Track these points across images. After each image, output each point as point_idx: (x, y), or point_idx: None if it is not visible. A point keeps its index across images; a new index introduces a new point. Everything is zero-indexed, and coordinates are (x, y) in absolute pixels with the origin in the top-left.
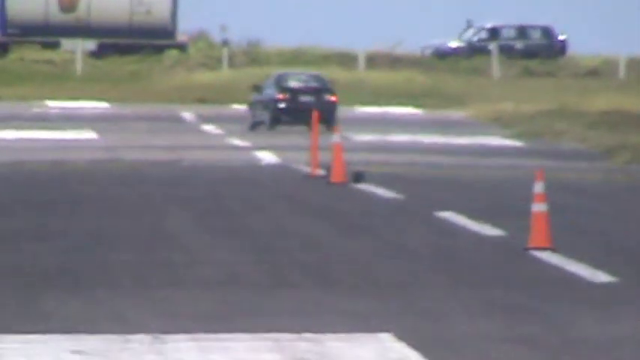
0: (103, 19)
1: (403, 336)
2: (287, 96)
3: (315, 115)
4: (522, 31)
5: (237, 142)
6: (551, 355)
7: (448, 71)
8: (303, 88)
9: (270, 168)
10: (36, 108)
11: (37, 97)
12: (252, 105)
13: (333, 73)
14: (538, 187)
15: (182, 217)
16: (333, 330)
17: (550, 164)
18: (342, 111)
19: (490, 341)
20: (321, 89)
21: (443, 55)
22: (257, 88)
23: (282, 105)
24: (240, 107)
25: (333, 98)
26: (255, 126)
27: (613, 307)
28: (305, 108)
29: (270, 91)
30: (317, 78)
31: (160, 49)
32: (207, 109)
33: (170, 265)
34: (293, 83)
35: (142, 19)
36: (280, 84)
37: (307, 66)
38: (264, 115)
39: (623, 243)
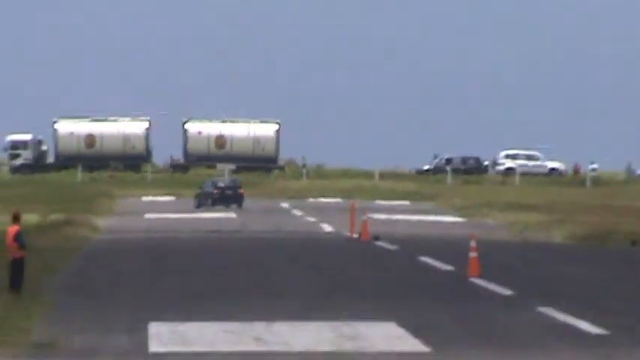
0: (239, 153)
1: (401, 324)
2: (218, 191)
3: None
4: (464, 160)
5: (311, 219)
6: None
7: (425, 181)
8: (226, 186)
9: (328, 234)
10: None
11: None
12: (197, 196)
13: (361, 184)
14: (472, 243)
15: (279, 258)
16: (359, 319)
17: (480, 231)
18: (367, 203)
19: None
20: (236, 187)
21: (422, 172)
22: (200, 187)
23: (217, 196)
24: (315, 200)
25: (241, 191)
26: (200, 206)
27: (511, 309)
28: (228, 197)
29: (209, 188)
30: (234, 181)
31: (269, 169)
32: (295, 202)
33: (269, 283)
34: (221, 184)
35: (259, 153)
36: (215, 184)
37: (350, 178)
38: (207, 201)
39: (522, 273)
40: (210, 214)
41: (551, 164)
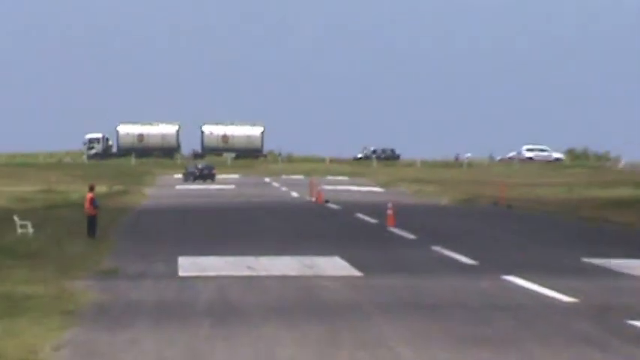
0: (237, 146)
1: (343, 258)
2: (198, 171)
3: (314, 185)
4: (384, 150)
5: (284, 189)
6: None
7: (358, 165)
8: (204, 168)
9: (295, 198)
10: (220, 182)
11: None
12: (184, 174)
13: (317, 166)
14: (390, 205)
15: (262, 214)
16: (315, 254)
17: (395, 197)
18: (319, 179)
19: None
20: (210, 168)
21: (357, 159)
22: (185, 168)
23: (197, 174)
24: (286, 177)
25: (214, 172)
26: (186, 181)
27: (414, 247)
28: (205, 175)
29: (192, 169)
30: (209, 164)
31: (256, 156)
32: (273, 178)
33: (256, 230)
34: (200, 165)
35: (250, 146)
36: (196, 166)
37: (310, 163)
38: (190, 177)
39: (422, 224)
40: (217, 185)
41: (555, 155)
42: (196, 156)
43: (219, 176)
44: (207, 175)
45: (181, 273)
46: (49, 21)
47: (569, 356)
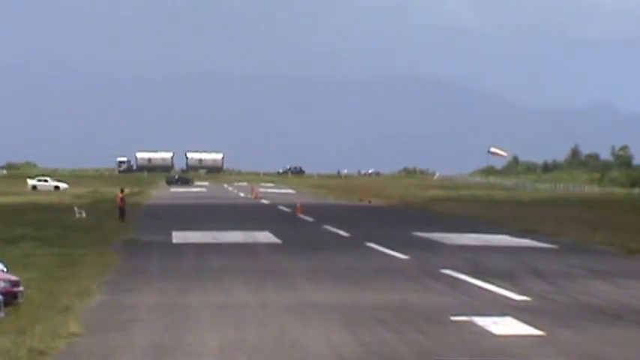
0: (207, 165)
1: (271, 232)
2: (172, 178)
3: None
4: (295, 168)
5: (235, 191)
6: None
7: (281, 177)
8: (176, 177)
9: (242, 197)
10: (198, 187)
11: (199, 181)
12: (166, 181)
13: (255, 177)
14: (299, 201)
15: (222, 206)
16: (254, 230)
17: (301, 196)
18: (256, 185)
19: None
20: (173, 176)
21: (279, 173)
22: (166, 177)
23: (172, 180)
24: (237, 184)
25: (176, 179)
26: (167, 184)
27: (313, 226)
28: (177, 180)
29: (171, 178)
30: (174, 175)
31: (219, 172)
32: (228, 184)
33: (217, 216)
34: (174, 176)
35: (215, 165)
36: (172, 176)
37: (250, 175)
38: (170, 182)
39: (318, 211)
40: (195, 188)
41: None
42: (183, 171)
43: (197, 182)
44: (180, 181)
45: (174, 241)
46: (103, 82)
47: (404, 286)
